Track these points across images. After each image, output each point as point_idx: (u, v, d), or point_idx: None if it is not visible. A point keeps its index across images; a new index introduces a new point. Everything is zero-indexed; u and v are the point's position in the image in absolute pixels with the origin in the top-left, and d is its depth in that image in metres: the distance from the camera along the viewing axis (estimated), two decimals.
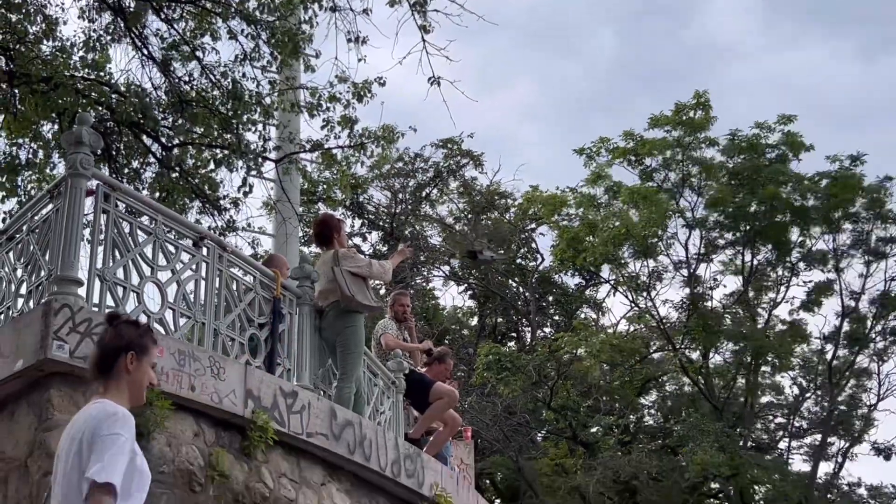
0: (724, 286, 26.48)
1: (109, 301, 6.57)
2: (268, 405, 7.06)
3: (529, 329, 28.36)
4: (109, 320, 4.30)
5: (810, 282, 25.70)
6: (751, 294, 25.17)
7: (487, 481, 24.27)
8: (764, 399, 28.47)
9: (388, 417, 10.14)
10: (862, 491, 28.58)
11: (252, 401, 6.91)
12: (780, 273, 25.58)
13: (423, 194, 28.07)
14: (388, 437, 8.79)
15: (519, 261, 28.83)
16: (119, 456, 3.75)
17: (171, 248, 7.30)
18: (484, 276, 27.32)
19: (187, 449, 6.36)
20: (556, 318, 29.32)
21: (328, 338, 9.10)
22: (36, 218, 6.90)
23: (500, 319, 29.79)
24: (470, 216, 28.38)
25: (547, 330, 28.56)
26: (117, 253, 6.75)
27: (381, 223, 27.58)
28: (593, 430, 22.67)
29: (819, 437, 26.75)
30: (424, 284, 28.55)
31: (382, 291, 20.65)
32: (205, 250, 7.56)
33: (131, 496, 3.85)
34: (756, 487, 24.92)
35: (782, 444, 28.60)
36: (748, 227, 24.03)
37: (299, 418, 7.41)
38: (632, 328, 26.21)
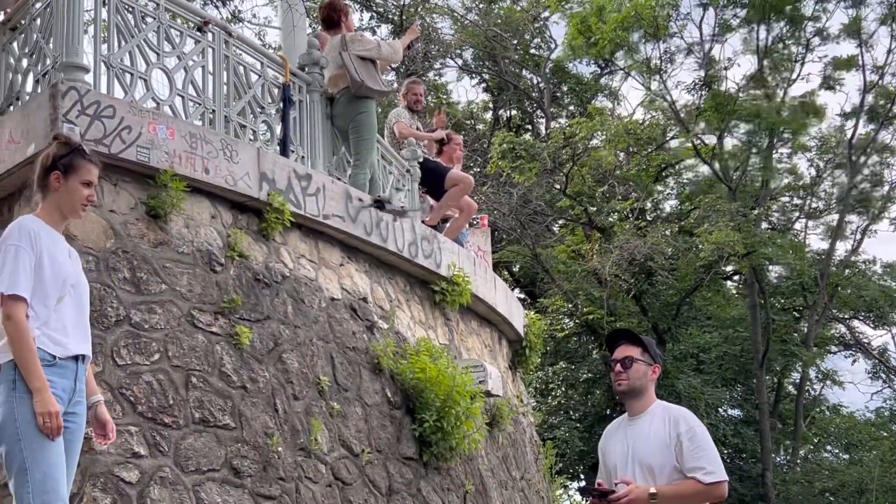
0: (738, 65, 25.98)
1: (118, 88, 6.54)
2: (282, 188, 7.13)
3: (544, 120, 28.12)
4: (53, 139, 4.49)
5: (825, 56, 25.13)
6: (767, 74, 24.64)
7: (505, 271, 24.69)
8: (782, 182, 28.47)
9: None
10: (877, 268, 29.04)
11: (267, 183, 6.97)
12: (794, 50, 24.98)
13: None
14: (404, 220, 8.90)
15: (532, 51, 28.29)
16: (15, 264, 4.06)
17: (176, 36, 7.19)
18: (497, 66, 26.88)
19: (205, 230, 6.47)
20: (571, 108, 28.99)
21: (340, 125, 9.08)
22: (37, 6, 6.76)
23: (514, 112, 29.48)
24: (481, 5, 27.63)
25: (562, 121, 28.29)
26: (122, 41, 6.67)
27: (389, 16, 26.91)
28: (609, 215, 22.84)
29: (836, 217, 26.91)
30: (437, 79, 28.16)
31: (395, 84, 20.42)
32: (210, 35, 7.45)
33: (48, 296, 4.15)
34: (771, 266, 25.31)
35: (798, 226, 28.89)
36: (762, 2, 23.24)
37: (315, 200, 7.49)
38: (648, 117, 25.94)
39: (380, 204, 7.09)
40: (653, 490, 4.23)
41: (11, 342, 4.02)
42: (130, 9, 6.73)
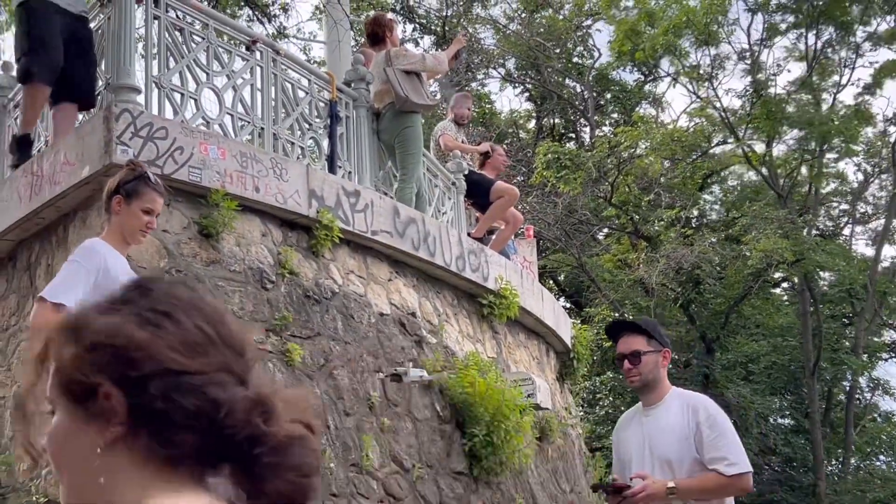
0: (789, 71, 25.76)
1: (168, 109, 6.62)
2: (331, 204, 7.17)
3: (588, 128, 28.03)
4: (126, 164, 4.60)
5: (876, 62, 24.83)
6: (815, 79, 24.38)
7: (550, 280, 24.63)
8: (828, 188, 28.16)
9: (450, 218, 10.26)
10: None
11: (316, 200, 7.01)
12: (843, 55, 24.74)
13: None
14: (451, 234, 8.92)
15: (575, 59, 28.22)
16: (70, 278, 4.15)
17: (225, 55, 7.28)
18: (540, 75, 26.85)
19: (256, 248, 6.52)
20: (615, 115, 28.88)
21: (386, 140, 9.13)
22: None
23: (557, 120, 29.42)
24: (524, 15, 27.64)
25: (606, 129, 28.19)
26: (172, 61, 6.76)
27: (432, 27, 27.01)
28: (655, 224, 22.70)
29: (883, 221, 26.56)
30: (480, 88, 28.19)
31: (438, 96, 20.46)
32: (258, 54, 7.53)
33: None
34: (820, 273, 25.00)
35: (846, 231, 28.53)
36: (810, 7, 23.02)
37: (363, 216, 7.53)
38: (692, 123, 25.78)
39: (397, 377, 7.00)
40: (671, 484, 4.01)
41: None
42: (180, 28, 6.83)
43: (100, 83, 6.69)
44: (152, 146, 5.86)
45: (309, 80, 8.23)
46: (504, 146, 23.91)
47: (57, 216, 6.30)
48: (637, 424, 4.34)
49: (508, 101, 63.08)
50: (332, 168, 8.10)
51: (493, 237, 10.83)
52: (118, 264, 4.32)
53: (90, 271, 4.20)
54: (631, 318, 4.91)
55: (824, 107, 24.24)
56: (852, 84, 25.49)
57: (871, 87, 24.71)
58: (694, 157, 24.36)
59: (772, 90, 23.99)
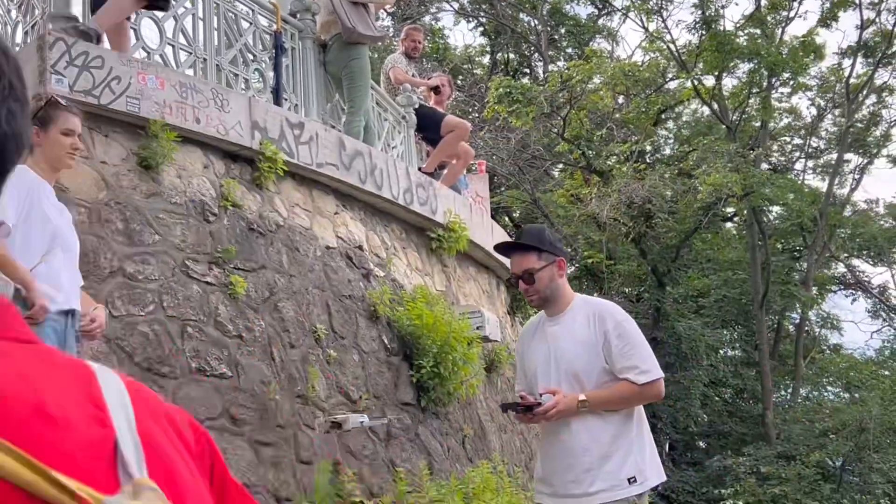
0: (737, 4, 25.58)
1: (105, 40, 6.47)
2: (275, 136, 7.10)
3: (542, 63, 27.88)
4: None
5: None
6: (764, 13, 24.30)
7: (505, 217, 24.68)
8: (781, 123, 28.32)
9: (400, 152, 10.20)
10: (880, 209, 29.01)
11: (259, 132, 6.93)
12: None
13: None
14: (398, 167, 8.88)
15: None
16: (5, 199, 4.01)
17: None
18: (494, 9, 26.58)
19: (198, 180, 6.45)
20: (570, 50, 28.73)
21: (333, 72, 9.02)
22: None
23: (511, 55, 29.24)
24: None
25: (560, 64, 28.06)
26: None
27: None
28: (608, 159, 22.75)
29: (835, 156, 26.82)
30: (433, 23, 27.89)
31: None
32: None
33: (33, 246, 4.16)
34: (770, 207, 25.27)
35: (798, 166, 28.79)
36: None
37: (308, 149, 7.46)
38: (646, 58, 25.73)
39: (336, 425, 6.59)
40: (582, 397, 3.87)
41: None
42: None
43: (36, 13, 6.51)
44: (88, 76, 5.74)
45: (252, 11, 8.08)
46: (458, 82, 23.78)
47: None
48: (541, 336, 4.16)
49: (462, 35, 62.54)
50: (277, 100, 7.99)
51: (445, 172, 10.79)
52: (44, 189, 4.26)
53: (20, 192, 4.14)
54: (529, 229, 4.42)
55: (775, 42, 24.23)
56: (801, 17, 25.49)
57: (826, 20, 24.69)
58: (648, 92, 24.34)
59: (721, 24, 23.96)
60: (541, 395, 3.95)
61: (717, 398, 25.80)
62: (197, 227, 6.25)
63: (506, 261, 11.27)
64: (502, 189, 23.73)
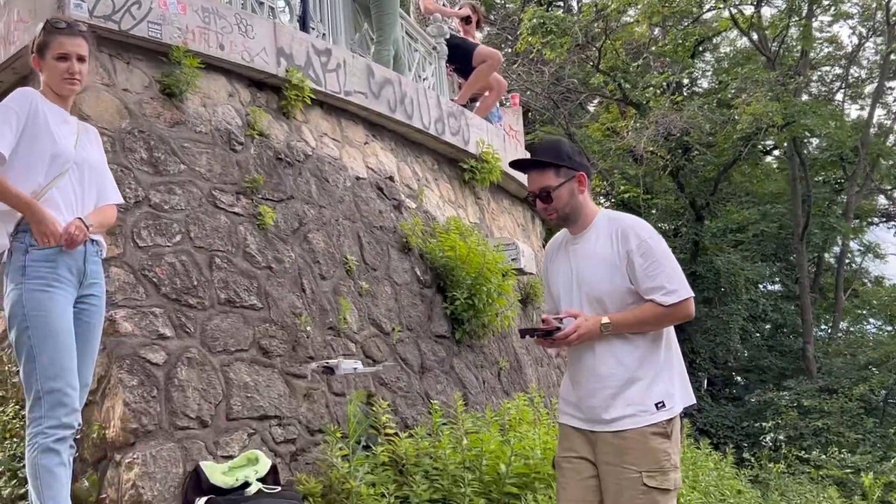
0: None
1: None
2: (301, 63, 6.92)
3: None
4: None
5: None
6: None
7: None
8: (822, 53, 27.60)
9: (431, 84, 9.97)
10: None
11: (285, 59, 6.76)
12: None
13: None
14: (429, 95, 8.67)
15: None
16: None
17: None
18: None
19: (223, 109, 6.30)
20: None
21: (361, 0, 8.80)
22: None
23: None
24: None
25: None
26: None
27: None
28: (645, 90, 22.27)
29: (876, 84, 26.13)
30: None
31: None
32: None
33: (34, 168, 4.05)
34: (810, 138, 24.75)
35: (839, 97, 28.11)
36: None
37: (335, 76, 7.28)
38: None
39: (329, 370, 6.30)
40: (605, 320, 3.67)
41: None
42: None
43: None
44: (108, 1, 5.58)
45: None
46: (491, 15, 23.33)
47: (15, 79, 6.03)
48: (564, 256, 3.95)
49: None
50: (304, 29, 7.77)
51: (477, 104, 10.56)
52: (52, 112, 4.14)
53: (20, 114, 4.03)
54: (544, 143, 4.14)
55: None
56: None
57: None
58: (685, 23, 23.76)
59: None
60: (562, 318, 3.76)
61: (756, 333, 25.57)
62: (223, 156, 6.11)
63: None
64: (536, 125, 23.38)
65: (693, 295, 3.76)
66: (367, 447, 5.91)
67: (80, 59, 4.22)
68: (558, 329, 3.70)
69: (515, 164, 4.16)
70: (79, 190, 4.16)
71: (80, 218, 4.09)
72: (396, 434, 6.17)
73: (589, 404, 3.79)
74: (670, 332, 3.87)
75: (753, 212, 25.18)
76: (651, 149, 19.98)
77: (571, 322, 3.70)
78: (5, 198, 3.97)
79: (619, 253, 3.73)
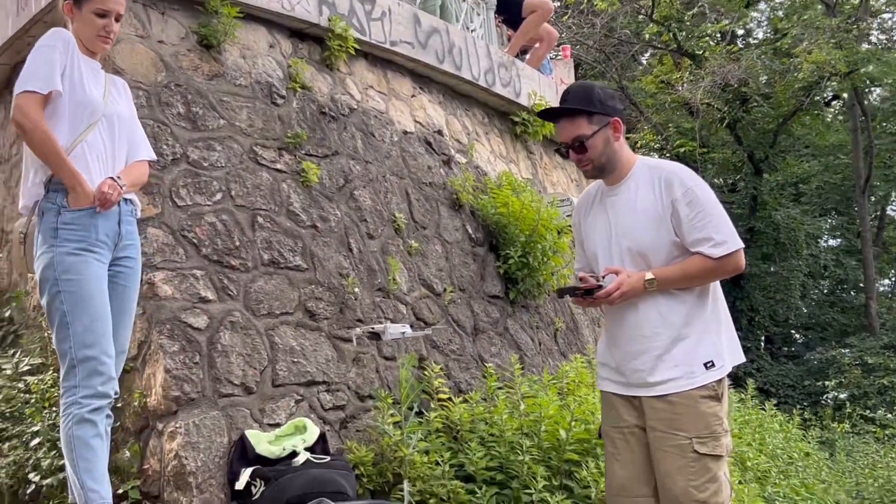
0: None
1: None
2: (344, 12, 6.60)
3: None
4: None
5: None
6: None
7: None
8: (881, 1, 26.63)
9: (479, 35, 9.59)
10: None
11: (327, 7, 6.44)
12: None
13: None
14: (479, 45, 8.31)
15: None
16: (41, 62, 3.74)
17: None
18: None
19: (263, 61, 6.01)
20: None
21: None
22: None
23: None
24: None
25: None
26: None
27: None
28: (700, 40, 21.62)
29: None
30: None
31: None
32: None
33: (63, 119, 3.81)
34: (873, 88, 23.93)
35: None
36: None
37: (380, 25, 6.95)
38: None
39: (375, 335, 5.90)
40: (649, 276, 3.42)
41: (28, 141, 3.77)
42: None
43: None
44: None
45: None
46: None
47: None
48: (600, 208, 3.67)
49: None
50: None
51: (528, 56, 10.19)
52: (84, 63, 3.88)
53: (63, 55, 3.77)
54: (575, 88, 3.85)
55: None
56: None
57: None
58: None
59: None
60: (603, 276, 3.48)
61: (816, 289, 24.97)
62: (264, 110, 5.83)
63: None
64: (588, 78, 22.85)
65: (743, 246, 3.48)
66: (419, 413, 5.65)
67: (118, 17, 3.96)
68: (599, 287, 3.43)
69: (545, 114, 3.98)
70: (109, 144, 3.91)
71: (112, 177, 3.84)
72: (450, 399, 5.90)
73: (632, 367, 3.53)
74: (717, 286, 3.59)
75: (814, 164, 24.48)
76: (707, 101, 19.39)
77: (613, 279, 3.43)
78: (45, 147, 3.71)
79: (663, 202, 3.46)
